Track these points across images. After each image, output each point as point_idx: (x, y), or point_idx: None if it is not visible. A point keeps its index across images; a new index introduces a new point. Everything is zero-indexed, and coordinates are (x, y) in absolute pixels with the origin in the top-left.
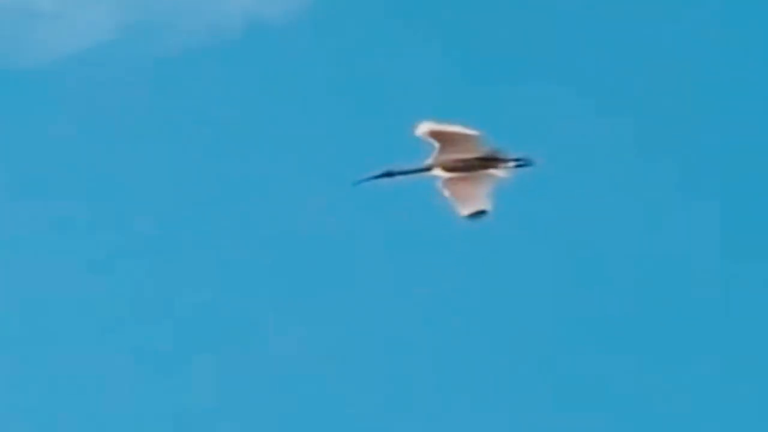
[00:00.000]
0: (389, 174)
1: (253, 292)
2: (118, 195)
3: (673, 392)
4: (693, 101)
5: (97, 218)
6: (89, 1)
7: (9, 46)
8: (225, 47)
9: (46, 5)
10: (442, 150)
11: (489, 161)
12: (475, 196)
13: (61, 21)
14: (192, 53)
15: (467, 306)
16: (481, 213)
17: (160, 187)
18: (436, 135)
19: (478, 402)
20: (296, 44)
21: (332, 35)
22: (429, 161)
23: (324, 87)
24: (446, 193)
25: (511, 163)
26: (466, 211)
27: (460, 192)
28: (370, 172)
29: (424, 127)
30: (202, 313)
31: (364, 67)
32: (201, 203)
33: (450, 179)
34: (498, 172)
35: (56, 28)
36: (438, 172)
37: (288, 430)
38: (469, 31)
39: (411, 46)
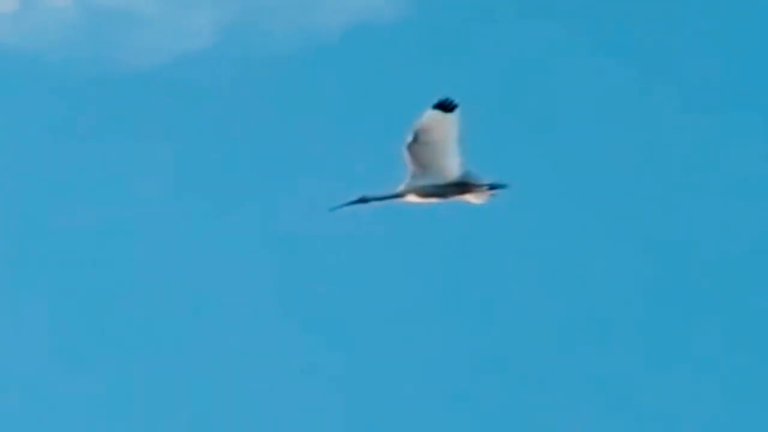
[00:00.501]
0: (364, 200)
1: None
2: (217, 192)
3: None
4: None
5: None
6: (190, 6)
7: (111, 50)
8: (323, 50)
9: (147, 10)
10: (415, 175)
11: (462, 186)
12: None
13: (162, 25)
14: (290, 57)
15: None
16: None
17: (260, 185)
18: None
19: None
20: (395, 47)
21: (432, 38)
22: (402, 187)
23: (422, 90)
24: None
25: (484, 188)
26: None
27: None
28: (347, 199)
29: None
30: None
31: (463, 71)
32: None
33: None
34: (472, 198)
35: (157, 33)
36: (412, 198)
37: None
38: (572, 30)
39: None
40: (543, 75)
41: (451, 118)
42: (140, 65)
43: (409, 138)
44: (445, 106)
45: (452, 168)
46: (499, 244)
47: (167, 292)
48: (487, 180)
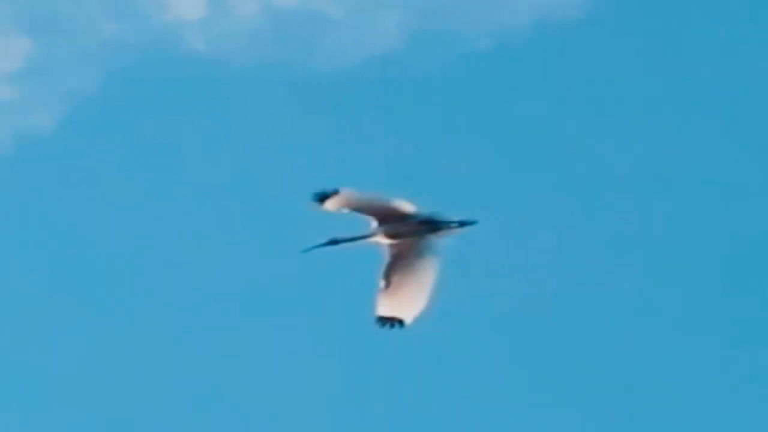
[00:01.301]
0: (335, 242)
1: None
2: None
3: None
4: None
5: None
6: (377, 7)
7: (301, 53)
8: (511, 49)
9: (335, 13)
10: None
11: (430, 225)
12: (408, 296)
13: (350, 28)
14: (479, 56)
15: None
16: (396, 321)
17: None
18: (353, 207)
19: None
20: (585, 43)
21: (624, 35)
22: (372, 229)
23: (613, 85)
24: (381, 284)
25: (454, 226)
26: (383, 312)
27: (395, 286)
28: (317, 241)
29: (335, 202)
30: None
31: (658, 70)
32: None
33: (394, 267)
34: (440, 236)
35: (346, 36)
36: (381, 239)
37: None
38: None
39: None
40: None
41: (345, 198)
42: (330, 68)
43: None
44: (323, 197)
45: (410, 208)
46: None
47: None
48: (456, 218)
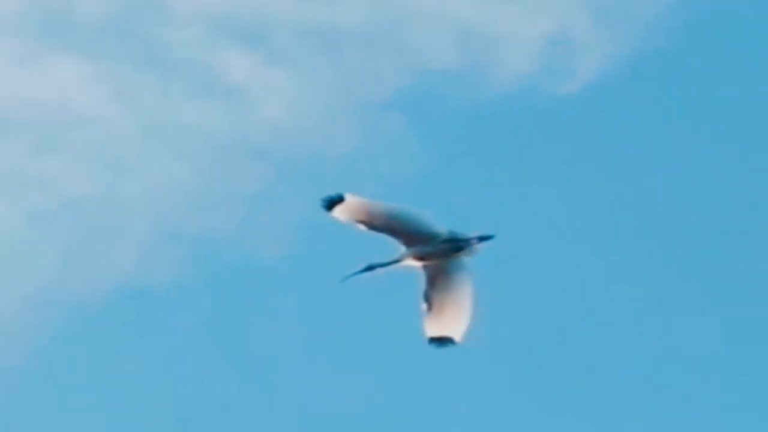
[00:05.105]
0: (371, 268)
1: None
2: None
3: None
4: None
5: None
6: None
7: None
8: None
9: None
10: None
11: (453, 243)
12: (451, 315)
13: None
14: None
15: None
16: (447, 340)
17: None
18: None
19: None
20: None
21: None
22: (401, 253)
23: None
24: (423, 307)
25: (474, 242)
26: (432, 333)
27: (437, 307)
28: (354, 269)
29: (344, 212)
30: None
31: None
32: None
33: (432, 288)
34: (465, 254)
35: None
36: (411, 261)
37: None
38: None
39: None
40: None
41: (350, 207)
42: None
43: (360, 228)
44: (332, 203)
45: (435, 229)
46: None
47: None
48: (474, 234)
